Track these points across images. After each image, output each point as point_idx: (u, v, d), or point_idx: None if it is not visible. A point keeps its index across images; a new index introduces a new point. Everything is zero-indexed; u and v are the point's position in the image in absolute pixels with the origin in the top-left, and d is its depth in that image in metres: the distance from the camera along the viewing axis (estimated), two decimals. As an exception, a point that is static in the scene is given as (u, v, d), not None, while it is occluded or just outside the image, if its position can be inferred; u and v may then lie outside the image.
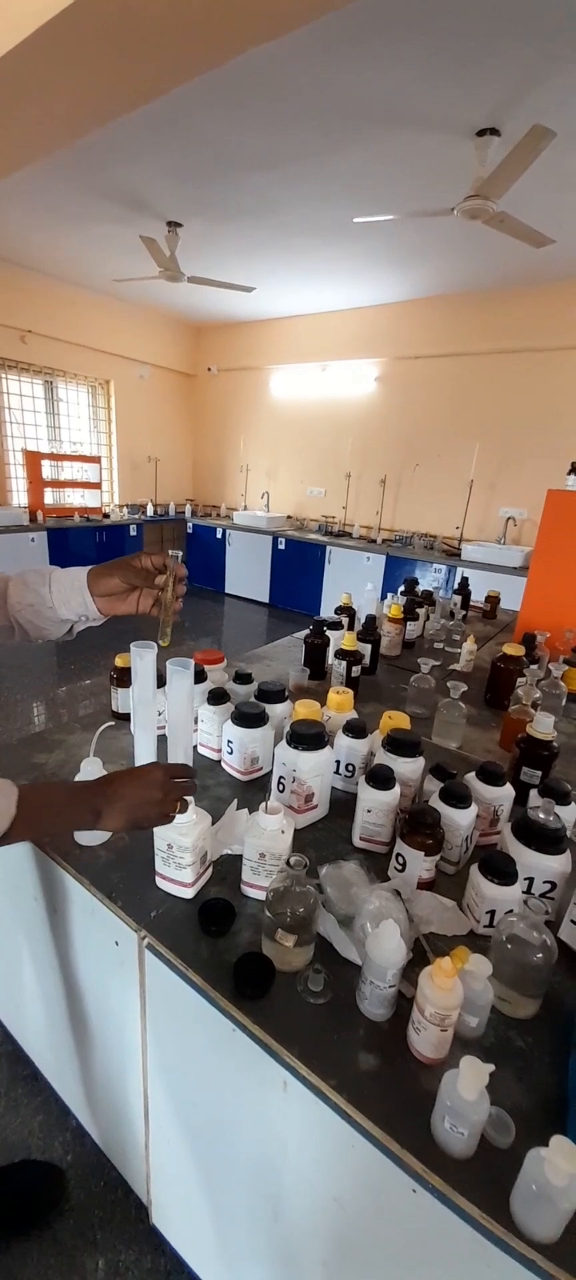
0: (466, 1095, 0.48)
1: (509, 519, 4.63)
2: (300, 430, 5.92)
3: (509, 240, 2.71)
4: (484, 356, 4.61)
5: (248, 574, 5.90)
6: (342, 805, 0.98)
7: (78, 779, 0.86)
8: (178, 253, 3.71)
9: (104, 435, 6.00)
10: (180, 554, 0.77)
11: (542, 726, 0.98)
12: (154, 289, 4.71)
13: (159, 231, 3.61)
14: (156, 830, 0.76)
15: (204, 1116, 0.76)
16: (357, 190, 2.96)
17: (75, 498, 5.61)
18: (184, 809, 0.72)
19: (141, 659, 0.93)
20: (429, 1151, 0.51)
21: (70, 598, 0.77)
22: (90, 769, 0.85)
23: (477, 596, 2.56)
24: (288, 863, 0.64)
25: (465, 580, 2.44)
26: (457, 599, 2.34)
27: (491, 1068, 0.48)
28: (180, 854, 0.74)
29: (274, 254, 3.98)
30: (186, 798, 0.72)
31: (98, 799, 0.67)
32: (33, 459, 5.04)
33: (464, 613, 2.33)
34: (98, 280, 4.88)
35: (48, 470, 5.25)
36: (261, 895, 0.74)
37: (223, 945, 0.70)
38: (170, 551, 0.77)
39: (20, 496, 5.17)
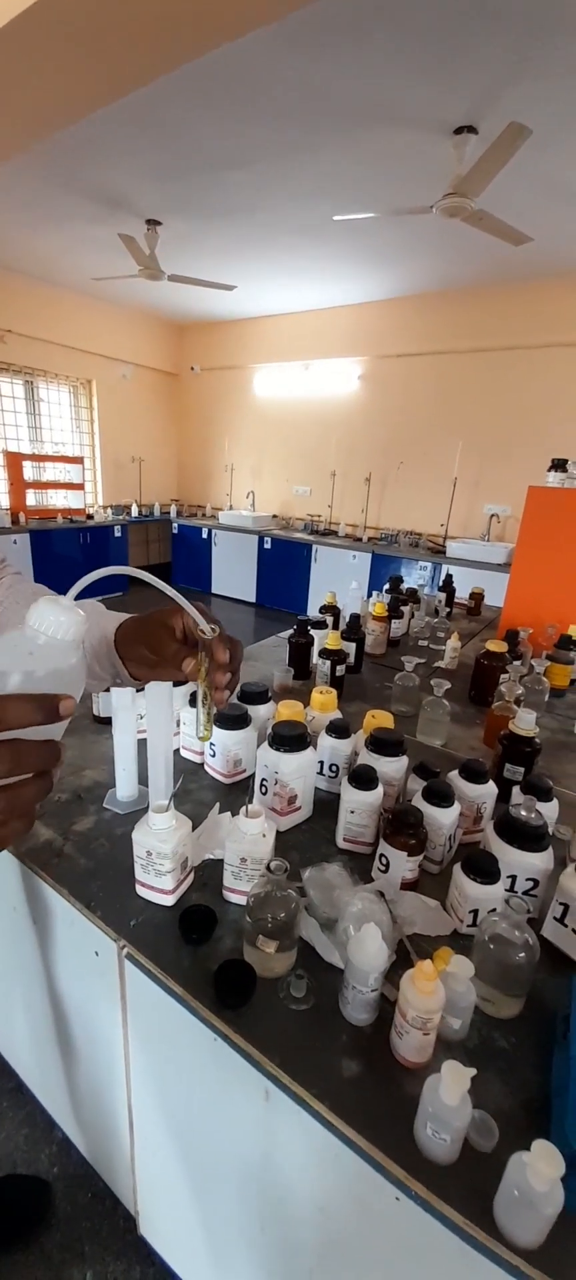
0: (448, 1101, 0.47)
1: (492, 516, 4.68)
2: (285, 429, 5.91)
3: (488, 238, 2.73)
4: (465, 354, 4.64)
5: (234, 574, 5.87)
6: (326, 806, 0.97)
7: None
8: (157, 251, 3.67)
9: (87, 436, 5.93)
10: (216, 629, 0.51)
11: (524, 723, 0.98)
12: (135, 288, 4.66)
13: (138, 230, 3.57)
14: (135, 836, 0.74)
15: (188, 1126, 0.75)
16: (337, 188, 2.96)
17: (58, 499, 5.54)
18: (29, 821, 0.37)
19: (120, 663, 0.91)
20: (412, 1158, 0.50)
21: (100, 654, 0.59)
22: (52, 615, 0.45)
23: (462, 593, 2.57)
24: (268, 867, 0.63)
25: (449, 578, 2.45)
26: (442, 596, 2.35)
27: (473, 1072, 0.47)
28: (160, 861, 0.72)
29: (255, 252, 3.96)
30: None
31: None
32: (14, 460, 4.95)
33: (448, 610, 2.34)
34: (77, 279, 4.82)
35: (29, 471, 5.17)
36: (243, 900, 0.73)
37: (204, 953, 0.69)
38: (201, 627, 0.50)
39: (1, 498, 5.08)
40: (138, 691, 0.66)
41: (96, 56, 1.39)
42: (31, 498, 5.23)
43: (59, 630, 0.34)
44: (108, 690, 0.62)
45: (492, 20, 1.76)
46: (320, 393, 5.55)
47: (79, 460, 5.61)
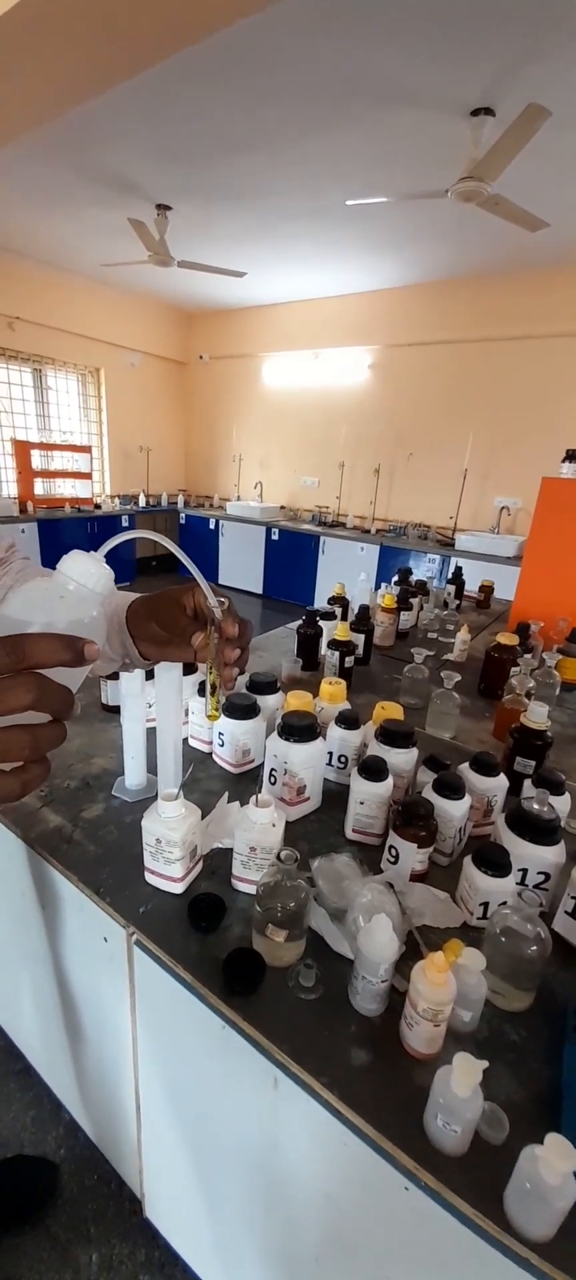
0: (459, 1092, 0.47)
1: (503, 508, 4.63)
2: (293, 419, 5.87)
3: (503, 224, 2.68)
4: (477, 343, 4.57)
5: (241, 565, 5.86)
6: (335, 797, 0.97)
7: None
8: (167, 236, 3.64)
9: (94, 424, 5.92)
10: (226, 602, 0.50)
11: (536, 716, 0.97)
12: (144, 274, 4.63)
13: (148, 214, 3.54)
14: (144, 824, 0.74)
15: (195, 1111, 0.76)
16: (350, 172, 2.91)
17: (66, 488, 5.54)
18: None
19: (129, 650, 0.91)
20: (421, 1148, 0.50)
21: (111, 634, 0.58)
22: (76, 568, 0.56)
23: (472, 586, 2.55)
24: (278, 857, 0.63)
25: (459, 570, 2.43)
26: (451, 589, 2.33)
27: (484, 1064, 0.47)
28: (169, 848, 0.72)
29: (265, 238, 3.92)
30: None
31: None
32: (22, 449, 4.96)
33: (457, 602, 2.32)
34: (86, 265, 4.80)
35: (37, 460, 5.17)
36: (252, 889, 0.73)
37: (212, 941, 0.69)
38: (211, 601, 0.49)
39: (10, 487, 5.10)
40: (146, 675, 0.65)
41: (101, 38, 1.37)
42: (39, 486, 5.24)
43: (89, 580, 0.35)
44: (116, 675, 0.61)
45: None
46: (329, 382, 5.49)
47: (87, 449, 5.61)
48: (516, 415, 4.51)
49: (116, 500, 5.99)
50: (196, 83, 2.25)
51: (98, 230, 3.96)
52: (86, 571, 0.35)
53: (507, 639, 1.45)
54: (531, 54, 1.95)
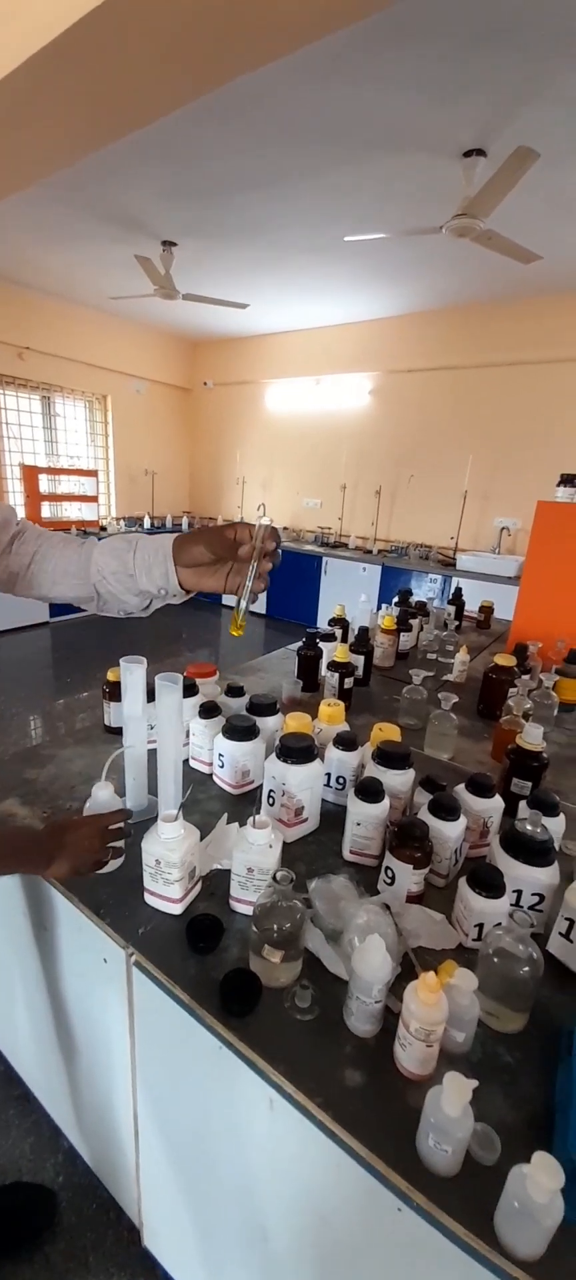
0: (450, 1112, 0.47)
1: (503, 529, 4.67)
2: (295, 442, 5.97)
3: (497, 256, 2.76)
4: (475, 369, 4.67)
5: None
6: (333, 818, 0.98)
7: (89, 806, 0.86)
8: (172, 271, 3.76)
9: (101, 449, 6.04)
10: (270, 519, 0.63)
11: (531, 737, 0.98)
12: (150, 306, 4.77)
13: (154, 250, 3.66)
14: (144, 845, 0.76)
15: (192, 1135, 0.76)
16: (349, 209, 3.01)
17: (72, 511, 5.64)
18: (118, 855, 0.82)
19: (130, 674, 0.93)
20: (414, 1169, 0.51)
21: (152, 566, 0.68)
22: (102, 795, 0.86)
23: (473, 606, 2.57)
24: (274, 878, 0.64)
25: (459, 590, 2.45)
26: (451, 609, 2.35)
27: (474, 1083, 0.48)
28: (168, 870, 0.74)
29: (267, 271, 4.04)
30: (120, 844, 0.80)
31: (52, 845, 0.72)
32: (30, 473, 5.07)
33: (457, 623, 2.34)
34: (94, 297, 4.95)
35: (45, 484, 5.28)
36: (249, 910, 0.74)
37: (210, 962, 0.70)
38: (261, 518, 0.63)
39: (18, 511, 5.18)
40: (180, 600, 0.74)
41: (113, 94, 1.45)
42: (46, 510, 5.34)
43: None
44: (148, 608, 0.74)
45: (501, 46, 1.80)
46: (331, 407, 5.60)
47: (93, 473, 5.72)
48: (514, 438, 4.57)
49: (122, 522, 6.08)
50: (202, 126, 2.36)
51: (105, 265, 4.10)
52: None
53: (505, 660, 1.47)
54: (521, 99, 2.04)
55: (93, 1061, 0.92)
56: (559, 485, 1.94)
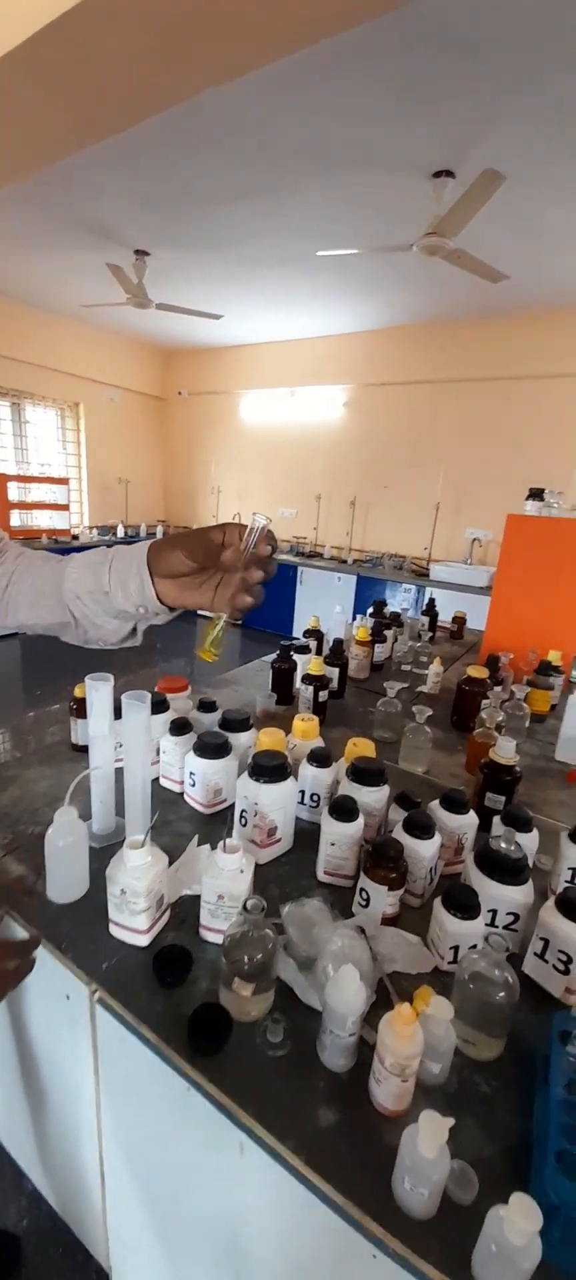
0: (426, 1153, 0.46)
1: (474, 540, 4.77)
2: (271, 453, 5.98)
3: (467, 275, 2.83)
4: (446, 384, 4.78)
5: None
6: (308, 836, 0.96)
7: (51, 832, 0.79)
8: (145, 280, 3.73)
9: (73, 457, 5.92)
10: (265, 519, 0.51)
11: (504, 752, 0.99)
12: (123, 314, 4.72)
13: (126, 259, 3.62)
14: (109, 874, 0.72)
15: (161, 1179, 0.72)
16: (321, 224, 3.05)
17: (43, 519, 5.50)
18: (25, 973, 0.70)
19: (96, 692, 0.89)
20: (389, 1213, 0.48)
21: (127, 579, 0.57)
22: (64, 819, 0.79)
23: (446, 616, 2.60)
24: (244, 906, 0.62)
25: (432, 601, 2.47)
26: (425, 620, 2.37)
27: (451, 1122, 0.46)
28: (134, 899, 0.70)
29: (241, 283, 4.05)
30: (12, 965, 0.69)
31: None
32: (-2, 481, 4.93)
33: (431, 634, 2.36)
34: (66, 305, 4.86)
35: (14, 492, 5.13)
36: (220, 939, 0.71)
37: (178, 996, 0.66)
38: (254, 514, 0.51)
39: (-15, 520, 5.03)
40: (163, 624, 0.63)
41: (81, 101, 1.43)
42: (16, 518, 5.19)
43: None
44: (134, 633, 0.64)
45: (468, 71, 1.85)
46: (306, 418, 5.64)
47: (65, 481, 5.60)
48: (485, 452, 4.69)
49: (94, 531, 5.97)
50: (174, 138, 2.34)
51: (77, 272, 4.04)
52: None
53: (478, 672, 1.48)
54: (488, 122, 2.10)
55: (57, 1101, 0.87)
56: (527, 499, 1.99)
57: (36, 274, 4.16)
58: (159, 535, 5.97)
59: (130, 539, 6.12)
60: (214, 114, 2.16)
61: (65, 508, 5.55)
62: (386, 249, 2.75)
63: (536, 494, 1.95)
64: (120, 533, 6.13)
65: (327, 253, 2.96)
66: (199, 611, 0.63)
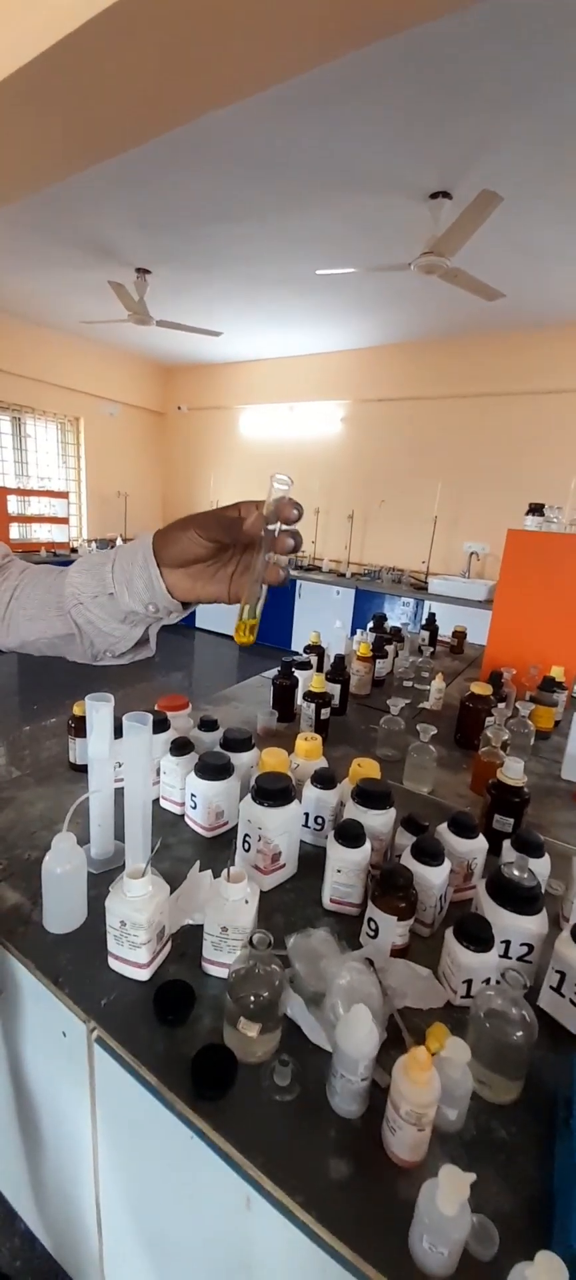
0: (446, 1211, 0.43)
1: (472, 553, 4.78)
2: (269, 467, 5.90)
3: (464, 292, 2.86)
4: (443, 400, 4.81)
5: (217, 608, 5.82)
6: (312, 861, 0.93)
7: (48, 859, 0.75)
8: (146, 297, 3.76)
9: (73, 470, 5.94)
10: (289, 480, 0.45)
11: (512, 773, 0.97)
12: (124, 331, 4.75)
13: (128, 277, 3.65)
14: (108, 904, 0.69)
15: (162, 1229, 0.68)
16: (321, 244, 3.08)
17: (42, 533, 5.49)
18: None
19: (96, 712, 0.87)
20: (406, 1273, 0.46)
21: (133, 575, 0.50)
22: (63, 845, 0.76)
23: (445, 629, 2.59)
24: (251, 940, 0.59)
25: (432, 616, 2.46)
26: (425, 635, 2.35)
27: (472, 1178, 0.44)
28: (134, 931, 0.68)
29: (241, 301, 4.09)
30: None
31: None
32: (-3, 494, 4.93)
33: (432, 649, 2.34)
34: (67, 321, 4.89)
35: (14, 505, 5.13)
36: (224, 973, 0.68)
37: (181, 1035, 0.64)
38: (274, 477, 0.45)
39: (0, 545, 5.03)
40: (177, 616, 0.56)
41: (80, 124, 1.44)
42: (15, 531, 5.19)
43: None
44: (145, 639, 0.58)
45: (466, 95, 1.88)
46: (304, 433, 5.67)
47: (64, 494, 5.61)
48: (482, 466, 4.72)
49: (93, 544, 5.96)
50: (175, 159, 2.37)
51: (80, 290, 4.07)
52: None
53: (481, 689, 1.46)
54: (484, 145, 2.13)
55: (53, 1143, 0.84)
56: (527, 514, 1.98)
57: (39, 291, 4.19)
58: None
59: (128, 552, 6.16)
60: (214, 136, 2.18)
61: (64, 521, 5.55)
62: (384, 268, 2.77)
63: (536, 509, 1.95)
64: (119, 545, 6.12)
65: (326, 271, 2.99)
66: (196, 615, 0.59)
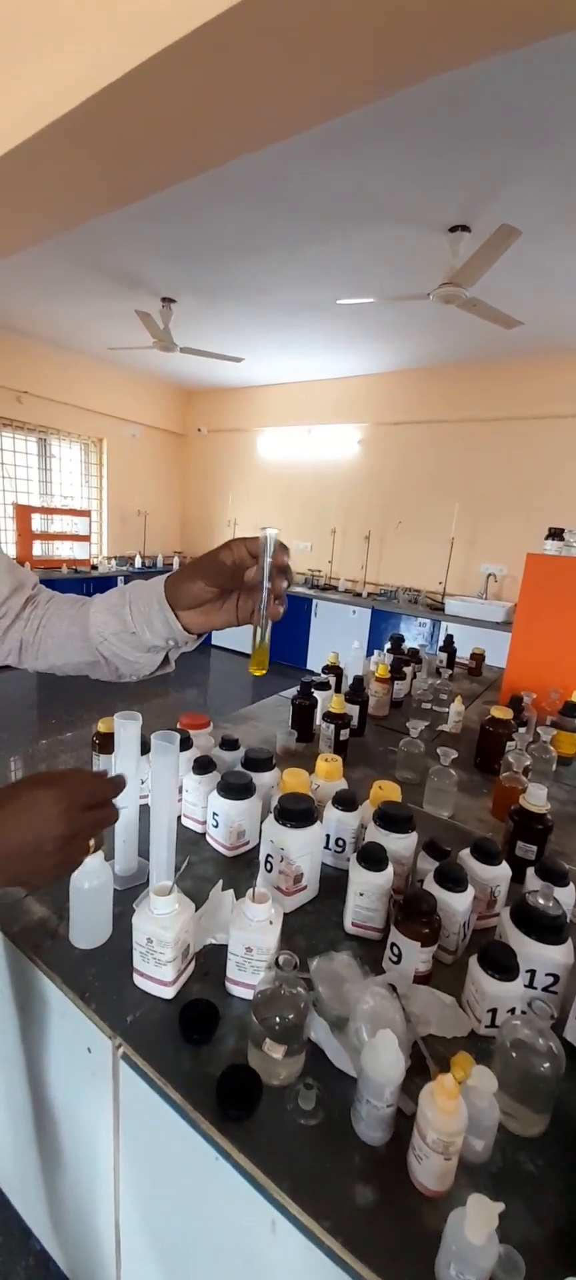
0: (474, 1240, 0.43)
1: (489, 575, 4.76)
2: (287, 487, 6.08)
3: (481, 320, 2.89)
4: (460, 424, 4.84)
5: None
6: (333, 883, 0.94)
7: (75, 874, 0.75)
8: (171, 325, 3.88)
9: (95, 490, 6.10)
10: (276, 531, 0.54)
11: (536, 800, 0.96)
12: (147, 356, 4.90)
13: (153, 306, 3.78)
14: (135, 921, 0.71)
15: (184, 1252, 0.68)
16: (341, 274, 3.16)
17: (64, 550, 5.64)
18: (98, 846, 0.65)
19: (125, 730, 0.89)
20: (434, 1307, 0.45)
21: (151, 617, 0.60)
22: (91, 862, 0.75)
23: (462, 650, 2.58)
24: (276, 961, 0.60)
25: (450, 638, 2.46)
26: (443, 656, 2.35)
27: (500, 1207, 0.43)
28: (160, 949, 0.69)
29: (262, 329, 4.19)
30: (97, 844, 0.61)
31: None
32: (23, 512, 5.08)
33: (450, 671, 2.34)
34: (94, 347, 5.07)
35: (38, 523, 5.28)
36: (248, 994, 0.69)
37: (205, 1055, 0.64)
38: (263, 529, 0.54)
39: (9, 549, 5.17)
40: (194, 645, 0.64)
41: (119, 166, 1.52)
42: (38, 548, 5.33)
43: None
44: (167, 661, 0.66)
45: (485, 131, 1.93)
46: (321, 455, 5.74)
47: (86, 513, 5.75)
48: (499, 489, 4.72)
49: (113, 561, 6.08)
50: (204, 196, 2.47)
51: (106, 318, 4.22)
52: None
53: (502, 713, 1.46)
54: (503, 179, 2.17)
55: (73, 1160, 0.84)
56: (547, 538, 1.98)
57: (67, 318, 4.36)
58: (175, 566, 6.10)
59: (147, 569, 6.25)
60: (239, 172, 2.27)
61: (86, 538, 5.69)
62: (403, 298, 2.83)
63: (556, 533, 1.95)
64: (138, 563, 6.24)
65: (346, 301, 3.06)
66: (212, 635, 0.67)
